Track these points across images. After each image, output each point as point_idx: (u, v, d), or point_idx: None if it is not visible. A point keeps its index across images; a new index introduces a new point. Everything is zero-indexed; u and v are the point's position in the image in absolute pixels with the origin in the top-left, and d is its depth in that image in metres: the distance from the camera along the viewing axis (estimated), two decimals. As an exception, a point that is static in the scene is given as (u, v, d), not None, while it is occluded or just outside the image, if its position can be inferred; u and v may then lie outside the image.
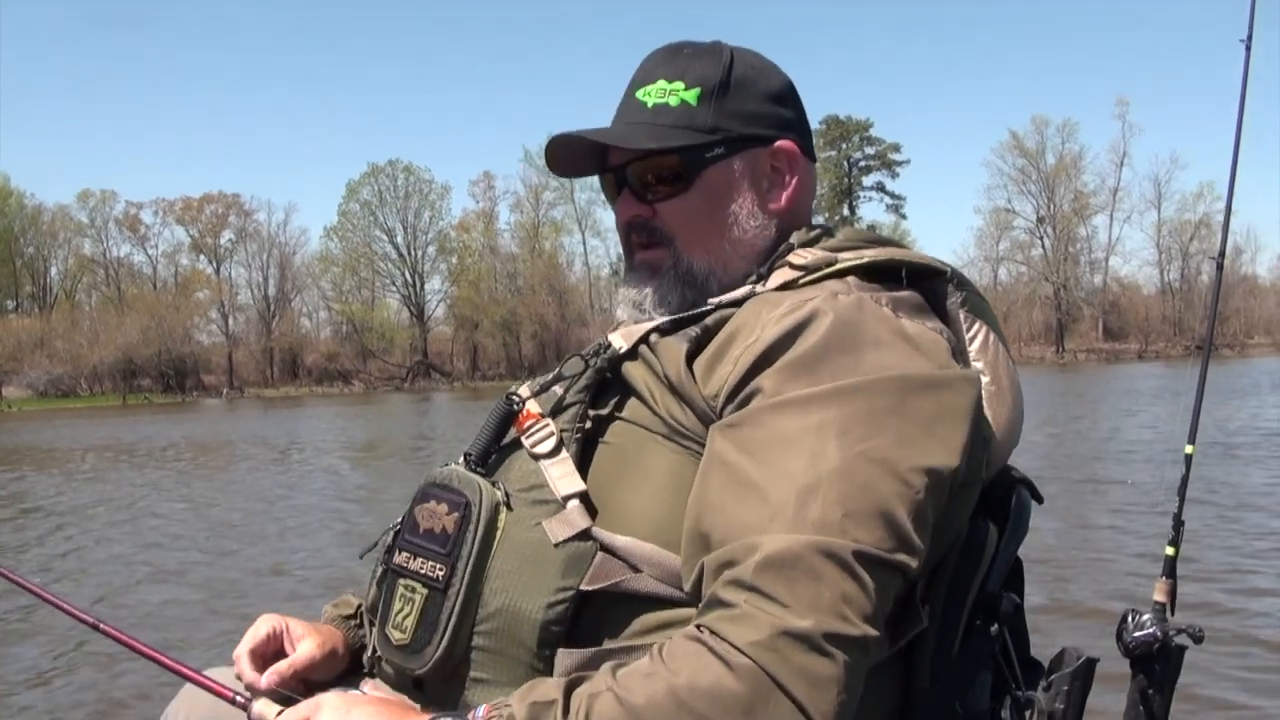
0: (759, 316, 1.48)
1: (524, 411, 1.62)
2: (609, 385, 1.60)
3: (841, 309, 1.45)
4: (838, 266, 1.57)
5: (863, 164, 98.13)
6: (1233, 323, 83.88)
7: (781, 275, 1.60)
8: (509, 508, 1.51)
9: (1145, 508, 10.59)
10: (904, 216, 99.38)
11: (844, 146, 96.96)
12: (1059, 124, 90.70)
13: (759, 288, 1.60)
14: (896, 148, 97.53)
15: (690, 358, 1.51)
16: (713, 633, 1.23)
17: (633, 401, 1.56)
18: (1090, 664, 1.63)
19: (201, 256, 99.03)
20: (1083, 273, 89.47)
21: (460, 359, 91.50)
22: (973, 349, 1.62)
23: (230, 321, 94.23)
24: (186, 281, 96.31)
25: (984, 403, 1.53)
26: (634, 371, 1.57)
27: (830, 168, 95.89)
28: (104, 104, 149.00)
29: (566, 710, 1.23)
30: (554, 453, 1.54)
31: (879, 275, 1.58)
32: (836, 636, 1.20)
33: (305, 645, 1.72)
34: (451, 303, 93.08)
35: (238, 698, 1.58)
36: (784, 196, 1.70)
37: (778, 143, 1.69)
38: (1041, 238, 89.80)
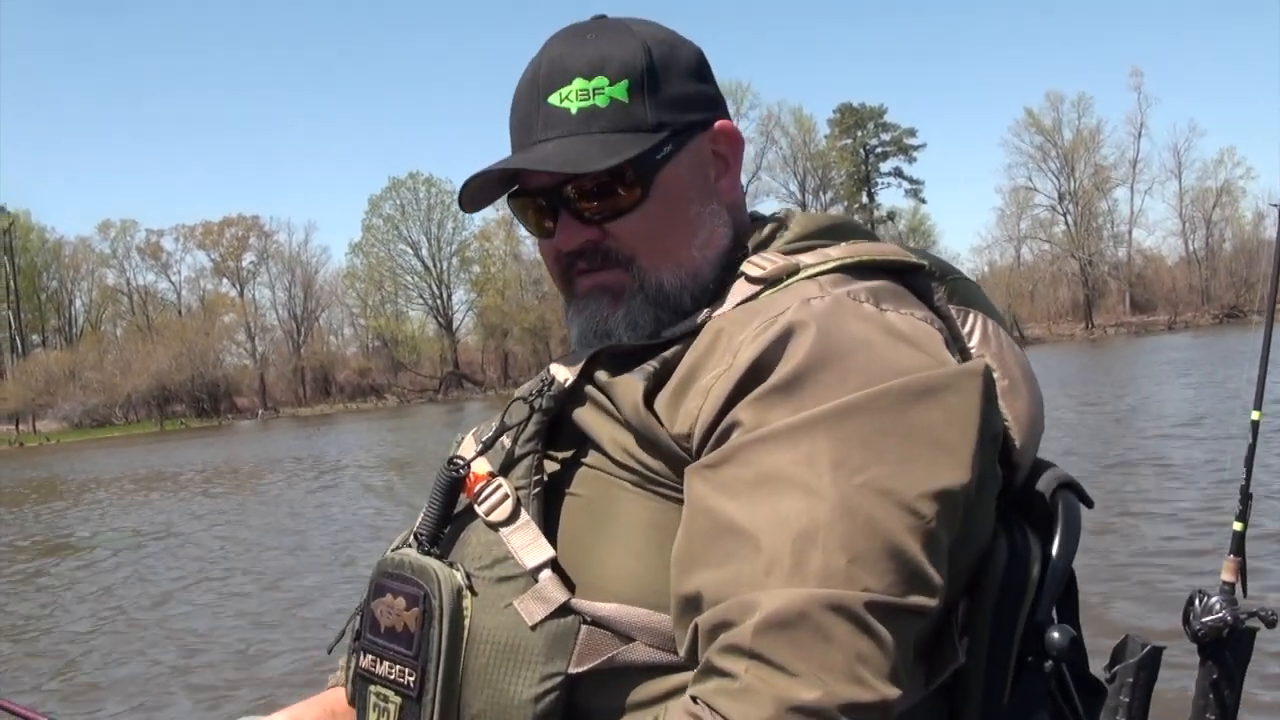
0: (728, 343, 1.31)
1: (470, 475, 1.44)
2: (561, 427, 1.44)
3: (820, 316, 1.28)
4: (801, 276, 1.39)
5: (879, 150, 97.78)
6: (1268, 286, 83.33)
7: (739, 291, 1.41)
8: (473, 591, 1.33)
9: (1210, 483, 10.40)
10: (923, 201, 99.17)
11: (859, 134, 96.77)
12: (1074, 99, 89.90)
13: (715, 312, 1.40)
14: (912, 132, 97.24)
15: (649, 396, 1.33)
16: (712, 710, 1.10)
17: (592, 450, 1.39)
18: (1156, 653, 1.48)
19: (224, 280, 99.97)
20: (1106, 246, 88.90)
21: (491, 367, 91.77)
22: (973, 342, 1.46)
23: (256, 342, 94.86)
24: (211, 305, 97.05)
25: (999, 399, 1.40)
26: (586, 417, 1.40)
27: (847, 155, 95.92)
28: (119, 134, 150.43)
29: None
30: (513, 517, 1.37)
31: (851, 270, 1.41)
32: (852, 706, 1.07)
33: None
34: (479, 312, 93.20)
35: None
36: (731, 181, 1.52)
37: (716, 124, 1.50)
38: (1064, 214, 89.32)
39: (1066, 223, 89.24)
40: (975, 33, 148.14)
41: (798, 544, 1.13)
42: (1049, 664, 1.38)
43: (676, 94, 1.46)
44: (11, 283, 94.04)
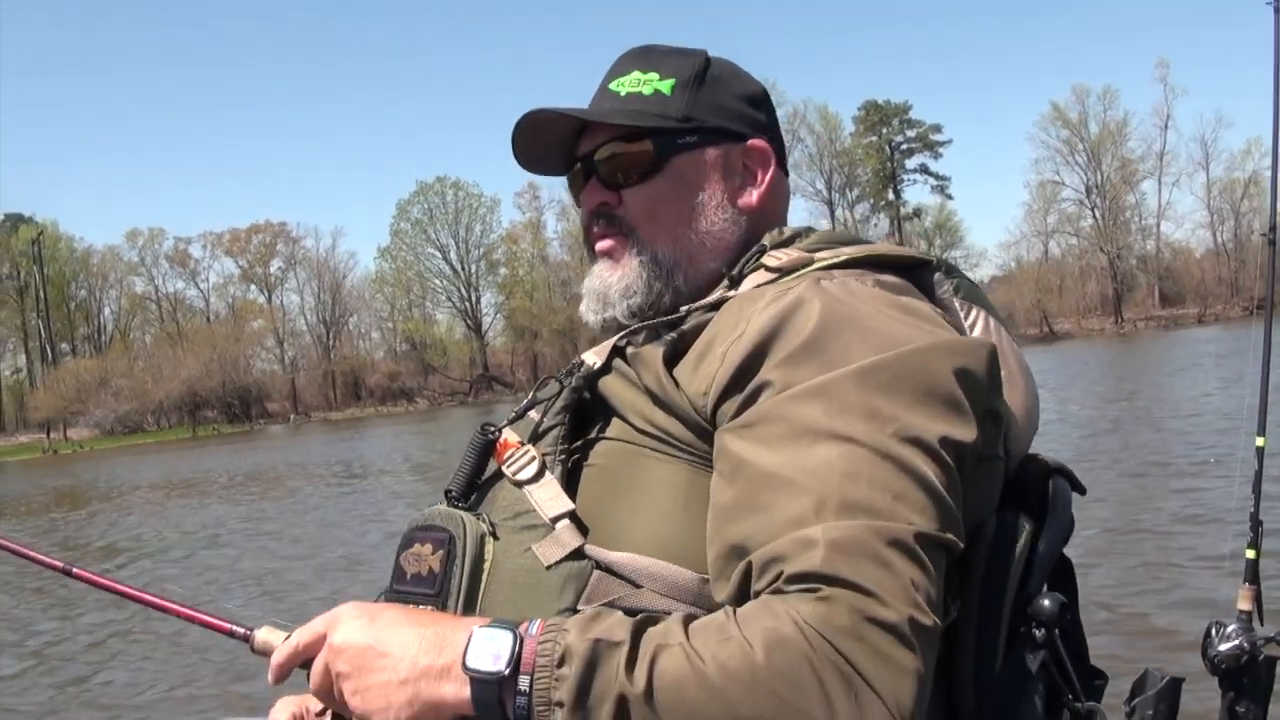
0: (740, 313, 1.40)
1: (502, 441, 1.53)
2: (588, 405, 1.52)
3: (829, 290, 1.38)
4: (815, 266, 1.49)
5: (904, 147, 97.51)
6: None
7: (756, 278, 1.53)
8: (495, 537, 1.41)
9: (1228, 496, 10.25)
10: (949, 197, 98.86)
11: (884, 131, 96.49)
12: (1099, 92, 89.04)
13: (732, 291, 1.52)
14: (938, 128, 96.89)
15: (669, 363, 1.43)
16: (792, 609, 1.12)
17: (615, 418, 1.48)
18: (1175, 684, 1.53)
19: (252, 286, 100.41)
20: (1134, 240, 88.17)
21: (521, 369, 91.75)
22: (975, 335, 1.54)
23: (285, 348, 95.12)
24: (240, 312, 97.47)
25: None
26: (611, 386, 1.50)
27: (872, 153, 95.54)
28: (146, 143, 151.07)
29: (633, 659, 1.12)
30: (537, 477, 1.45)
31: (860, 268, 1.50)
32: (918, 626, 1.12)
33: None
34: (508, 314, 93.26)
35: (236, 628, 1.50)
36: (755, 194, 1.65)
37: (751, 140, 1.66)
38: (1092, 208, 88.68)
39: (1094, 216, 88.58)
40: (1000, 28, 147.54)
41: (843, 484, 1.18)
42: (1040, 632, 1.41)
43: (717, 102, 1.64)
44: (41, 292, 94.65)
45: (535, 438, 1.52)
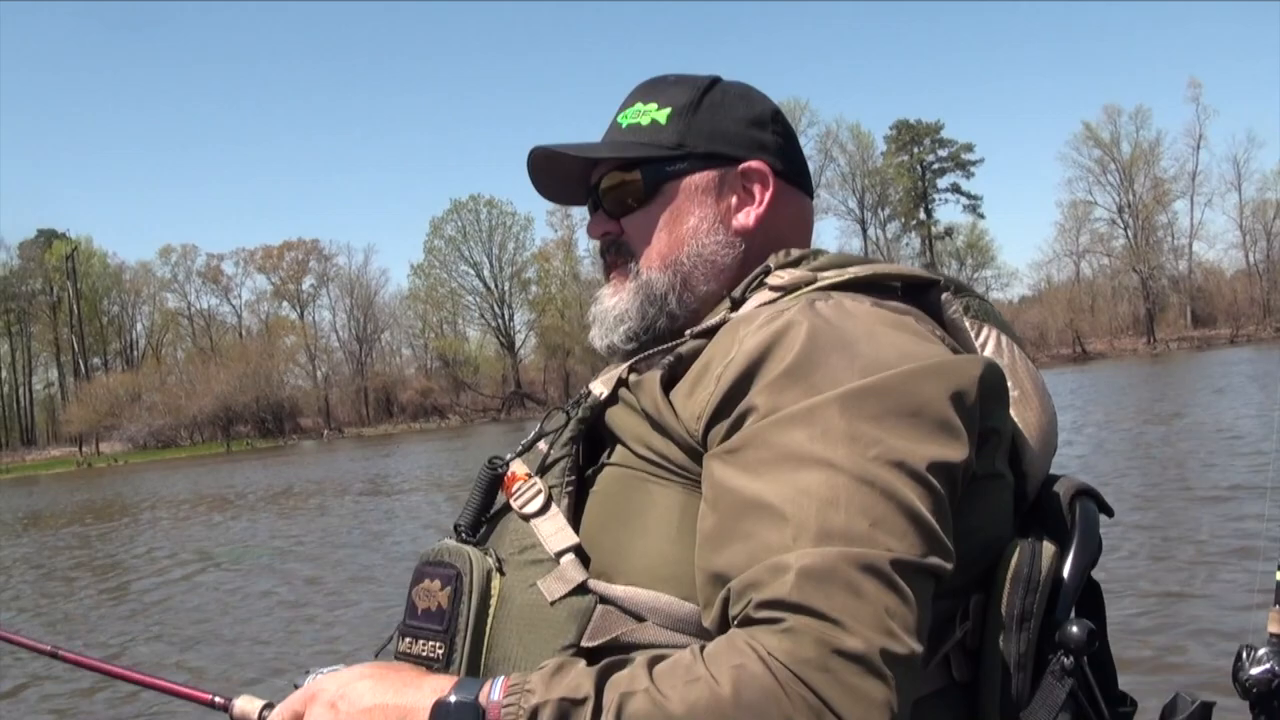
0: (735, 335, 1.41)
1: (510, 474, 1.54)
2: (596, 435, 1.54)
3: (820, 312, 1.38)
4: (818, 284, 1.49)
5: (936, 166, 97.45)
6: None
7: (759, 298, 1.53)
8: (502, 573, 1.43)
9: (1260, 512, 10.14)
10: (981, 216, 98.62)
11: (916, 150, 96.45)
12: (1131, 112, 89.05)
13: (733, 314, 1.51)
14: (970, 147, 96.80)
15: (666, 387, 1.44)
16: (756, 643, 1.14)
17: (618, 446, 1.49)
18: (1206, 708, 1.51)
19: (284, 303, 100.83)
20: (1166, 260, 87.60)
21: (553, 386, 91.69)
22: (985, 354, 1.54)
23: (317, 364, 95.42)
24: (273, 328, 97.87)
25: (1010, 408, 1.47)
26: (615, 416, 1.50)
27: (904, 172, 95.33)
28: (179, 160, 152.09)
29: (599, 710, 1.15)
30: (543, 510, 1.47)
31: (865, 290, 1.51)
32: (889, 655, 1.12)
33: None
34: (540, 332, 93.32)
35: (215, 698, 1.55)
36: (752, 216, 1.65)
37: (747, 162, 1.65)
38: (1124, 228, 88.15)
39: (1126, 236, 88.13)
40: (1032, 47, 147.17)
41: (822, 511, 1.20)
42: (1069, 660, 1.38)
43: (713, 128, 1.66)
44: (74, 307, 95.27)
45: (543, 470, 1.54)
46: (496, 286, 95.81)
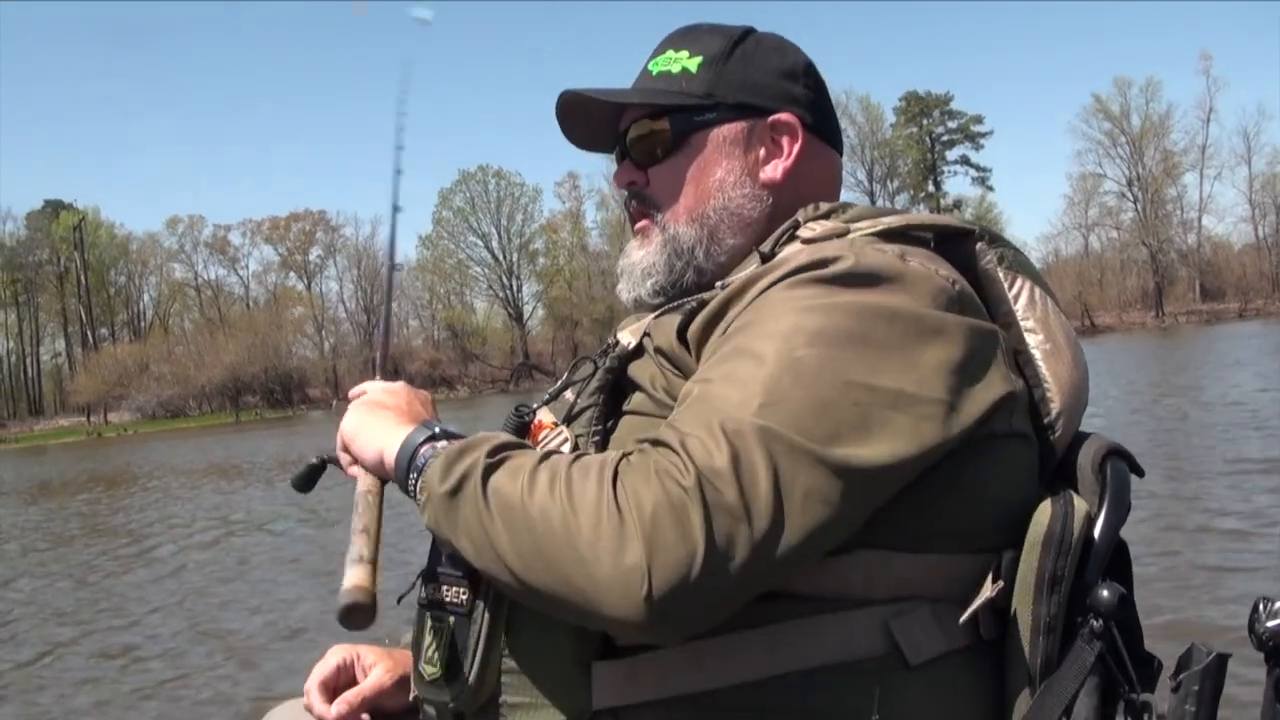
0: (759, 271, 1.42)
1: (536, 422, 1.56)
2: (622, 385, 1.55)
3: (847, 249, 1.38)
4: (851, 236, 1.47)
5: (945, 138, 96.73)
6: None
7: (792, 249, 1.50)
8: None
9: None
10: (990, 188, 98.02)
11: (925, 122, 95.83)
12: (1141, 84, 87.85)
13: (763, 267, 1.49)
14: (979, 119, 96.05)
15: (682, 329, 1.46)
16: (617, 455, 1.23)
17: (637, 393, 1.52)
18: (1222, 660, 1.48)
19: (291, 274, 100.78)
20: (1175, 233, 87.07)
21: (561, 358, 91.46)
22: (1018, 306, 1.51)
23: (324, 334, 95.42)
24: (280, 299, 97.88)
25: (1040, 361, 1.48)
26: (638, 365, 1.53)
27: (913, 144, 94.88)
28: (187, 131, 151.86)
29: (473, 467, 1.27)
30: None
31: (897, 239, 1.48)
32: (711, 489, 1.15)
33: (376, 673, 1.70)
34: (549, 303, 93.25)
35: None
36: (780, 169, 1.64)
37: (777, 114, 1.64)
38: (1134, 201, 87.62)
39: (1136, 209, 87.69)
40: (1042, 18, 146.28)
41: (770, 393, 1.22)
42: (1099, 623, 1.35)
43: (744, 79, 1.64)
44: (81, 277, 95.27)
45: (570, 419, 1.55)
46: (505, 258, 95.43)
